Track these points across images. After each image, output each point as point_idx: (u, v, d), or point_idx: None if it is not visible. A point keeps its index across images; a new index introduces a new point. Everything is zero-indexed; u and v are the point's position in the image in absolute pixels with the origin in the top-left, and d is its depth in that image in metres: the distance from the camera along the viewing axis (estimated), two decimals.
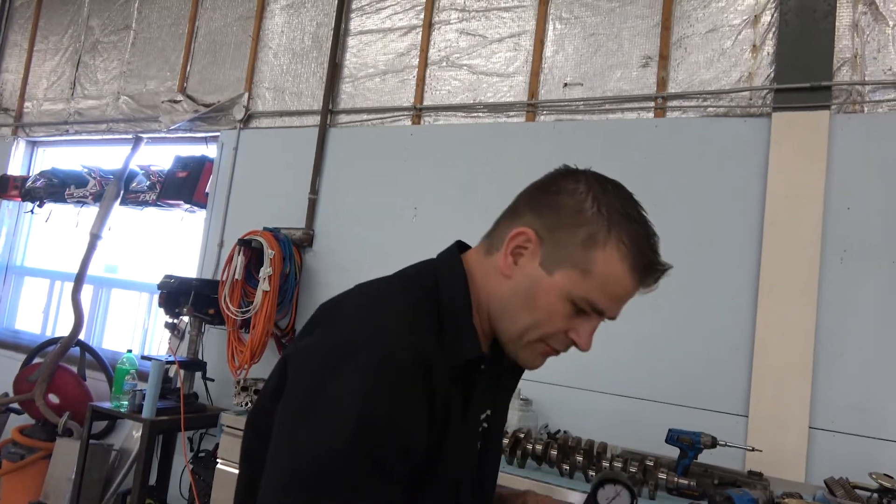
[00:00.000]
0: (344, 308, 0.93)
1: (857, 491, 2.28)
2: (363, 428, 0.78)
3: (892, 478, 2.19)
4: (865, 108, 2.63)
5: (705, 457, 2.44)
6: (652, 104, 2.99)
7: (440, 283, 0.98)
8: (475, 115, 3.41)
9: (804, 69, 2.70)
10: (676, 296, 2.80)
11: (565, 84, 3.19)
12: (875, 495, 2.22)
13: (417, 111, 3.56)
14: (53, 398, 4.09)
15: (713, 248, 2.77)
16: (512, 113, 3.31)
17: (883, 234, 2.51)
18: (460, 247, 1.06)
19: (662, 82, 2.98)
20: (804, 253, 2.59)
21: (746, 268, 2.69)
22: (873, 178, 2.56)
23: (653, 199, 2.87)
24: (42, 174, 4.85)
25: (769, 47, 2.80)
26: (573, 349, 1.00)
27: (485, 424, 1.04)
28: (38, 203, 4.87)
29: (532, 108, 3.25)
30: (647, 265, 0.95)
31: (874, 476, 2.21)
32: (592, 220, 0.93)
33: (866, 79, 2.63)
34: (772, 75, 2.77)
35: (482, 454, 1.04)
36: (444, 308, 0.94)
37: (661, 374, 2.78)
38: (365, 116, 3.73)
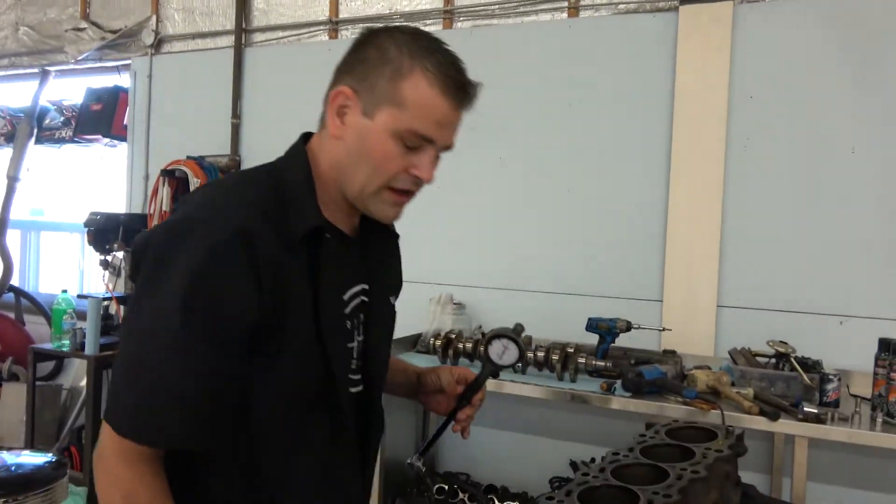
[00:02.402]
0: (192, 195, 1.03)
1: (758, 358, 2.52)
2: (187, 306, 0.88)
3: (786, 344, 2.42)
4: None
5: (625, 341, 2.64)
6: (565, 4, 2.99)
7: (284, 168, 1.05)
8: (392, 24, 3.34)
9: None
10: (592, 192, 2.92)
11: None
12: (773, 360, 2.47)
13: (334, 24, 3.47)
14: None
15: (626, 144, 2.87)
16: (429, 21, 3.26)
17: (783, 121, 2.64)
18: (305, 138, 1.10)
19: None
20: (710, 143, 2.71)
21: (657, 160, 2.80)
22: (775, 67, 2.65)
23: (568, 98, 2.96)
24: None
25: None
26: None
27: (363, 298, 1.11)
28: None
29: (448, 14, 3.21)
30: (456, 85, 0.99)
31: (771, 343, 2.43)
32: (395, 58, 0.97)
33: None
34: None
35: (367, 326, 1.11)
36: (285, 189, 1.00)
37: (582, 269, 2.93)
38: (280, 34, 3.62)
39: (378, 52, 0.99)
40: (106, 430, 0.90)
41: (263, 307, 0.92)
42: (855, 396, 2.20)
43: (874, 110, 2.51)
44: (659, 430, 1.18)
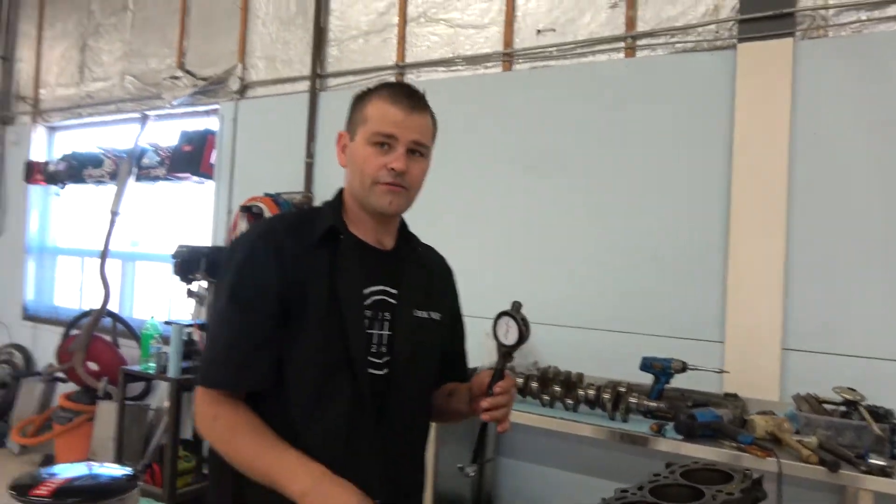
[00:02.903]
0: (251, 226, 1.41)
1: (825, 405, 2.40)
2: (232, 290, 1.27)
3: (854, 391, 2.30)
4: (830, 33, 2.63)
5: (686, 382, 2.58)
6: (622, 44, 3.03)
7: (321, 205, 1.43)
8: (455, 68, 3.49)
9: None
10: (650, 229, 2.90)
11: (538, 31, 3.24)
12: (841, 408, 2.34)
13: (400, 69, 3.65)
14: (92, 365, 4.42)
15: (685, 181, 2.84)
16: (489, 64, 3.37)
17: (851, 158, 2.55)
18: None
19: (631, 22, 3.00)
20: (772, 180, 2.64)
21: (717, 197, 2.76)
22: (840, 103, 2.58)
23: (626, 138, 2.98)
24: (63, 158, 5.12)
25: None
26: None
27: (388, 299, 1.35)
28: (61, 185, 5.15)
29: (508, 57, 3.32)
30: (401, 94, 1.33)
31: (837, 390, 2.32)
32: (361, 97, 1.37)
33: (829, 2, 2.62)
34: (737, 6, 2.78)
35: (393, 324, 1.35)
36: (318, 212, 1.40)
37: (642, 307, 2.90)
38: (352, 78, 3.84)
39: (355, 101, 1.38)
40: (196, 389, 1.28)
41: (285, 283, 1.26)
42: None
43: None
44: (675, 470, 1.18)
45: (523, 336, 1.33)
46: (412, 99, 1.32)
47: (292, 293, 1.25)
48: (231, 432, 1.22)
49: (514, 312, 1.33)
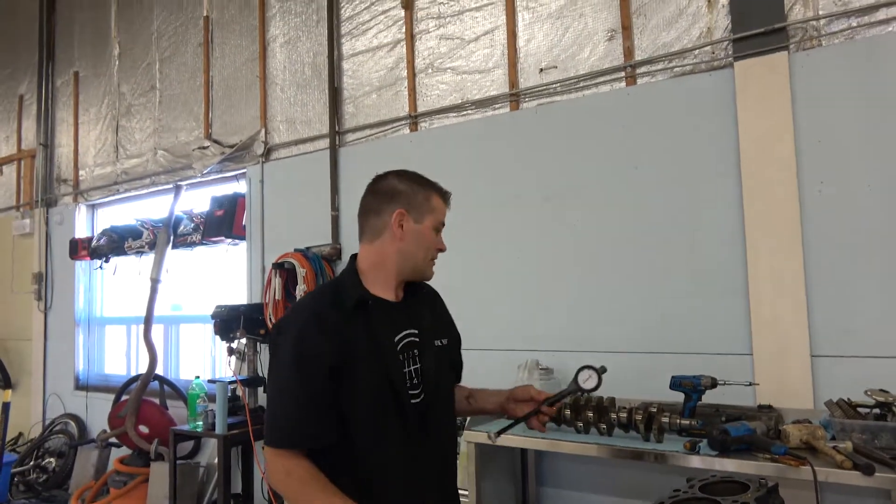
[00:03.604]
0: (295, 303, 1.69)
1: (859, 409, 2.39)
2: (293, 361, 1.50)
3: (886, 392, 2.30)
4: (823, 42, 2.70)
5: (718, 397, 2.60)
6: (622, 74, 3.14)
7: (342, 276, 1.70)
8: (465, 112, 3.63)
9: (759, 14, 2.79)
10: (668, 251, 2.96)
11: (541, 70, 3.37)
12: (875, 410, 2.33)
13: (413, 119, 3.81)
14: (143, 429, 4.57)
15: (696, 200, 2.90)
16: (497, 105, 3.52)
17: (856, 161, 2.59)
18: (353, 257, 1.73)
19: (629, 52, 3.12)
20: (782, 190, 2.69)
21: (731, 215, 2.81)
22: (840, 108, 2.63)
23: (633, 163, 3.06)
24: (103, 232, 5.40)
25: None
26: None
27: (412, 339, 1.65)
28: (104, 259, 5.42)
29: (514, 97, 3.45)
30: (446, 196, 1.72)
31: (869, 393, 2.32)
32: (419, 188, 1.67)
33: (819, 13, 2.70)
34: (729, 26, 2.87)
35: (422, 356, 1.65)
36: (341, 287, 1.65)
37: (666, 327, 2.93)
38: (368, 132, 4.02)
39: (406, 186, 1.66)
40: (266, 451, 1.51)
41: (335, 354, 1.50)
42: None
43: None
44: (694, 485, 1.23)
45: (599, 386, 1.71)
46: (449, 197, 1.74)
47: (341, 356, 1.51)
48: (302, 484, 1.46)
49: (597, 367, 1.72)
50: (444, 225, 1.69)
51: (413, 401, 1.59)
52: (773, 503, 1.15)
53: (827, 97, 2.65)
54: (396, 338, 1.62)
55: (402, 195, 1.64)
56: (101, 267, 5.58)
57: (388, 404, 1.54)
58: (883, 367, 2.48)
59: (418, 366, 1.63)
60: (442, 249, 1.70)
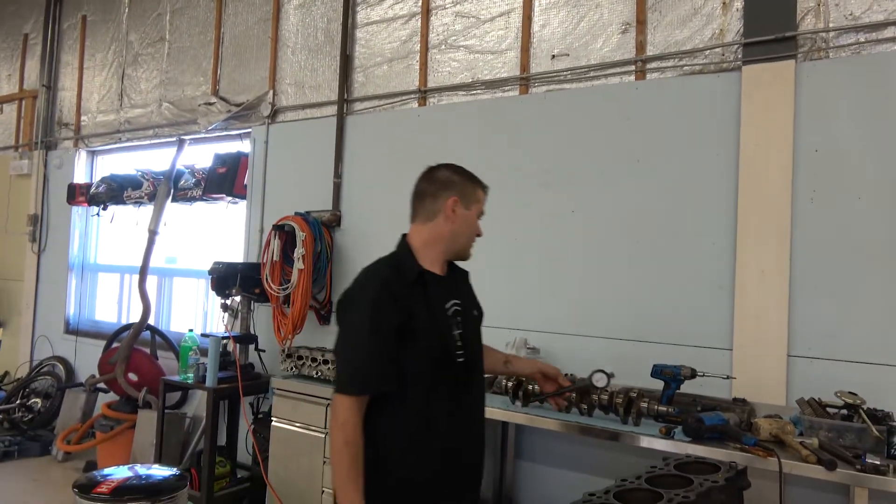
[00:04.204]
0: (365, 270, 1.90)
1: (828, 409, 2.52)
2: (371, 319, 1.75)
3: (855, 395, 2.42)
4: (830, 54, 2.77)
5: (696, 388, 2.72)
6: (633, 68, 3.20)
7: (398, 252, 1.95)
8: (474, 92, 3.68)
9: (771, 21, 2.85)
10: (661, 243, 3.05)
11: (553, 56, 3.42)
12: (843, 411, 2.46)
13: (423, 93, 3.86)
14: (132, 376, 4.66)
15: (694, 197, 2.99)
16: (507, 87, 3.56)
17: (849, 173, 2.68)
18: (404, 235, 1.99)
19: (641, 46, 3.17)
20: (776, 195, 2.78)
21: (725, 213, 2.90)
22: (839, 121, 2.71)
23: (637, 156, 3.15)
24: (102, 180, 5.41)
25: (738, 3, 2.96)
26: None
27: (456, 308, 1.91)
28: (102, 206, 5.44)
29: (524, 81, 3.50)
30: (486, 188, 2.01)
31: (839, 394, 2.44)
32: (469, 179, 1.97)
33: (829, 26, 2.77)
34: (741, 30, 2.93)
35: (464, 323, 1.91)
36: (400, 261, 1.90)
37: (654, 317, 3.04)
38: (377, 102, 4.06)
39: (458, 176, 1.96)
40: (334, 396, 1.76)
41: (400, 315, 1.76)
42: None
43: None
44: (670, 463, 1.33)
45: (607, 386, 2.39)
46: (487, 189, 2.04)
47: (405, 319, 1.77)
48: (344, 443, 1.71)
49: (608, 372, 2.35)
50: (483, 213, 1.99)
51: (458, 360, 1.86)
52: (742, 484, 1.26)
53: (828, 108, 2.73)
54: (446, 306, 1.89)
55: (457, 185, 1.92)
56: (98, 214, 5.60)
57: (440, 361, 1.81)
58: (854, 371, 2.60)
59: (461, 331, 1.89)
60: (480, 234, 1.99)
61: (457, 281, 2.02)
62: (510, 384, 2.84)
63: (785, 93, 2.79)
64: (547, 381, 2.23)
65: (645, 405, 2.57)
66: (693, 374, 2.61)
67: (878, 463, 2.05)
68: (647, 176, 3.11)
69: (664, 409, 2.56)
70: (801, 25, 2.81)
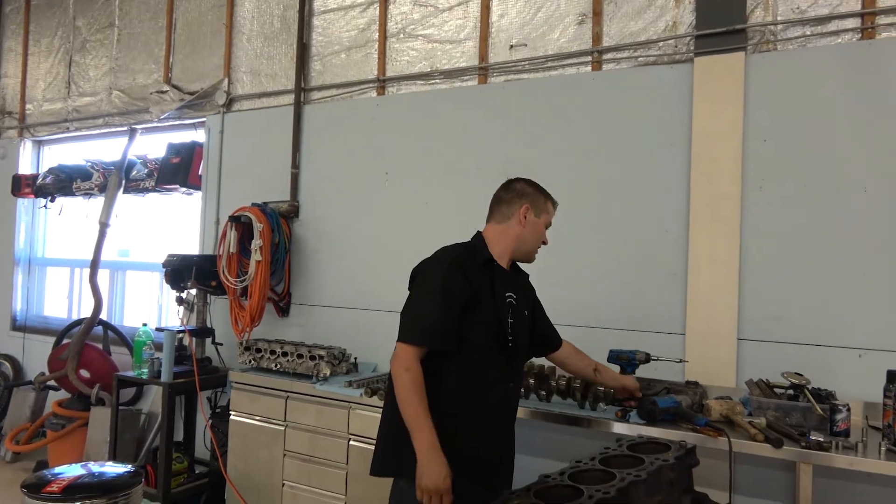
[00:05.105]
0: (442, 249, 2.15)
1: (775, 389, 2.61)
2: (442, 286, 1.99)
3: (800, 375, 2.52)
4: (778, 47, 2.85)
5: (650, 372, 2.79)
6: (589, 59, 3.24)
7: (473, 241, 2.21)
8: (433, 81, 3.67)
9: (721, 14, 2.92)
10: (616, 231, 3.11)
11: (511, 46, 3.44)
12: (789, 391, 2.56)
13: (381, 83, 3.83)
14: (84, 373, 4.53)
15: (648, 186, 3.05)
16: (465, 77, 3.57)
17: (796, 163, 2.77)
18: (479, 233, 2.24)
19: (597, 37, 3.21)
20: (727, 184, 2.86)
21: (678, 201, 2.97)
22: (786, 112, 2.80)
23: (592, 145, 3.20)
24: (50, 171, 5.21)
25: None
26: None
27: (512, 300, 2.15)
28: (49, 198, 5.25)
29: (483, 71, 3.51)
30: (556, 203, 2.29)
31: (786, 375, 2.53)
32: (540, 192, 2.24)
33: (777, 18, 2.85)
34: (693, 22, 3.00)
35: (515, 314, 2.15)
36: (474, 247, 2.16)
37: (609, 304, 3.10)
38: (335, 91, 4.01)
39: (532, 188, 2.22)
40: (398, 345, 1.97)
41: (469, 289, 2.01)
42: (874, 428, 2.28)
43: (885, 150, 2.61)
44: (623, 444, 1.36)
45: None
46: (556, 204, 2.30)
47: (473, 293, 2.02)
48: (410, 384, 1.91)
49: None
50: (550, 225, 2.25)
51: (508, 344, 2.09)
52: (691, 462, 1.29)
53: (775, 99, 2.82)
54: (506, 294, 2.14)
55: (530, 195, 2.19)
56: (45, 206, 5.42)
57: (495, 334, 2.06)
58: (801, 353, 2.70)
59: (512, 320, 2.13)
60: (545, 242, 2.25)
61: (518, 279, 2.28)
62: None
63: (735, 84, 2.86)
64: (624, 394, 2.55)
65: (601, 390, 2.62)
66: (648, 359, 2.68)
67: (822, 440, 2.13)
68: (603, 164, 3.15)
69: None
70: (750, 18, 2.89)
